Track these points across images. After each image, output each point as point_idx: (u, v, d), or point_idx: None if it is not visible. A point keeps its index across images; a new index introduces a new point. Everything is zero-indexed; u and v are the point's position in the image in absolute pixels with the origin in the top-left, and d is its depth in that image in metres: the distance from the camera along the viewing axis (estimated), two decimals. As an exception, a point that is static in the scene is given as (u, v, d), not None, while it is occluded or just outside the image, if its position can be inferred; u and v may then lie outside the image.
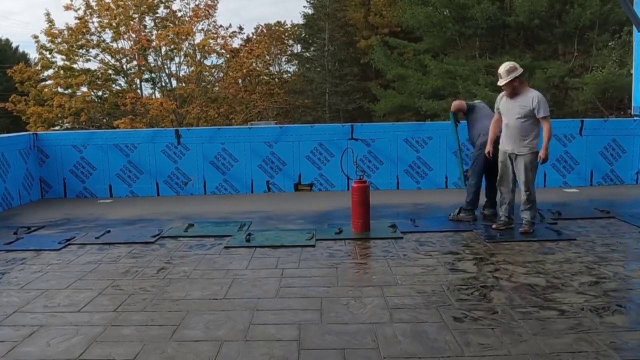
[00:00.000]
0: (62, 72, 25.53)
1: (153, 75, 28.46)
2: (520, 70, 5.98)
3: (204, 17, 27.75)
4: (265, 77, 33.69)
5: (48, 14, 25.09)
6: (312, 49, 38.92)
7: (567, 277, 4.58)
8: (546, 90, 22.44)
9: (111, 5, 25.73)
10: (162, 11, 28.00)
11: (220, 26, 29.66)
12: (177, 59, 28.02)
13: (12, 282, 4.81)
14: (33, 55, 39.61)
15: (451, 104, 7.13)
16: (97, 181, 9.28)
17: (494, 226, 6.29)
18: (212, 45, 27.77)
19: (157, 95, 28.82)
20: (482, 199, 6.90)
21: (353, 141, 9.21)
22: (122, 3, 25.95)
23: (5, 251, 5.83)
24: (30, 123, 24.75)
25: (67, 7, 25.09)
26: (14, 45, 41.15)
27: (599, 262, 4.98)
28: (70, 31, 25.32)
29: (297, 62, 40.09)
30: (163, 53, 27.44)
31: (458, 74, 23.77)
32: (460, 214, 6.76)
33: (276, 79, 35.85)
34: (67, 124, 25.36)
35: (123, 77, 27.75)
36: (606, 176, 9.28)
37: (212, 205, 7.95)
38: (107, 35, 26.30)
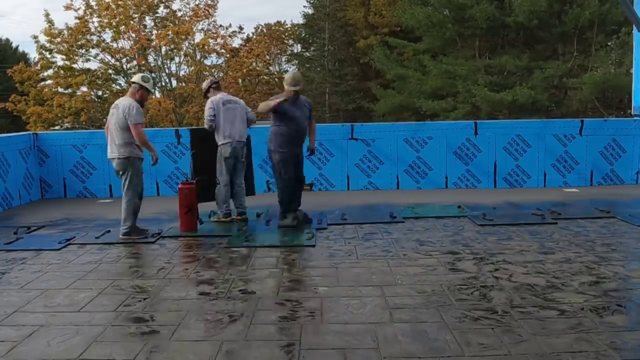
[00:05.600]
0: (62, 72, 25.53)
1: (153, 75, 28.45)
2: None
3: (203, 17, 27.76)
4: (265, 77, 33.71)
5: (47, 14, 25.10)
6: (312, 48, 38.96)
7: (567, 277, 4.58)
8: (545, 89, 22.50)
9: (111, 5, 25.72)
10: (162, 11, 28.04)
11: (220, 26, 29.68)
12: (177, 59, 28.05)
13: (12, 282, 4.81)
14: (33, 55, 39.63)
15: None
16: (97, 181, 9.28)
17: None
18: (211, 45, 27.79)
19: (157, 95, 28.83)
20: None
21: (353, 141, 9.21)
22: (122, 3, 25.94)
23: (5, 251, 5.83)
24: (30, 123, 24.75)
25: (67, 7, 25.09)
26: (13, 45, 41.16)
27: (599, 262, 4.98)
28: (70, 31, 25.30)
29: (297, 62, 40.10)
30: (163, 53, 27.45)
31: (457, 74, 23.80)
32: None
33: (276, 79, 35.85)
34: (67, 124, 25.37)
35: (123, 77, 27.74)
36: (606, 176, 9.28)
37: (212, 205, 7.93)
38: (107, 35, 26.31)
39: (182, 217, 6.53)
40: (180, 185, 6.59)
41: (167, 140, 9.26)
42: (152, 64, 27.82)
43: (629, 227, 6.28)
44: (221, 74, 29.50)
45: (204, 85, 7.23)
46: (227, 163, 6.82)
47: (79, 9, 25.45)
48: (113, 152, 6.31)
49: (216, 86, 7.06)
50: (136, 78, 6.47)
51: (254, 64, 30.39)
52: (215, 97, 6.85)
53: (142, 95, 6.37)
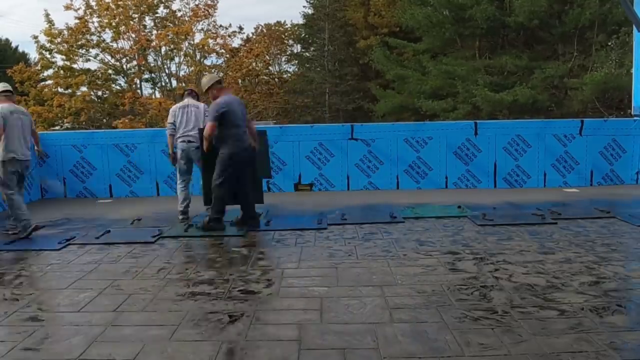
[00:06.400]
0: (62, 72, 25.54)
1: (153, 75, 28.48)
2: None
3: (203, 17, 27.78)
4: (265, 77, 33.72)
5: (47, 14, 25.11)
6: (312, 49, 38.93)
7: (567, 277, 4.57)
8: (545, 90, 22.50)
9: (111, 5, 25.74)
10: (161, 11, 28.04)
11: (220, 26, 29.68)
12: (177, 59, 28.06)
13: (12, 282, 4.81)
14: (33, 55, 39.63)
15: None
16: (97, 181, 9.28)
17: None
18: (211, 45, 27.80)
19: (157, 95, 28.86)
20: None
21: (353, 141, 9.22)
22: (122, 3, 25.96)
23: (5, 251, 5.83)
24: (30, 123, 24.71)
25: (67, 7, 25.11)
26: (13, 45, 41.13)
27: (599, 262, 4.98)
28: (70, 31, 25.32)
29: (297, 62, 40.09)
30: (163, 53, 27.46)
31: (457, 74, 23.82)
32: (211, 224, 6.44)
33: (276, 79, 35.87)
34: (67, 124, 25.39)
35: (123, 77, 27.77)
36: (606, 176, 9.28)
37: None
38: (107, 35, 26.34)
39: None
40: None
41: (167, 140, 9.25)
42: (152, 64, 27.84)
43: (629, 227, 6.28)
44: (221, 74, 29.51)
45: None
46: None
47: (78, 9, 25.49)
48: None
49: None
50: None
51: (253, 64, 30.39)
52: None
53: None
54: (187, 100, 7.22)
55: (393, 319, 3.79)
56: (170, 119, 7.13)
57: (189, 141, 6.98)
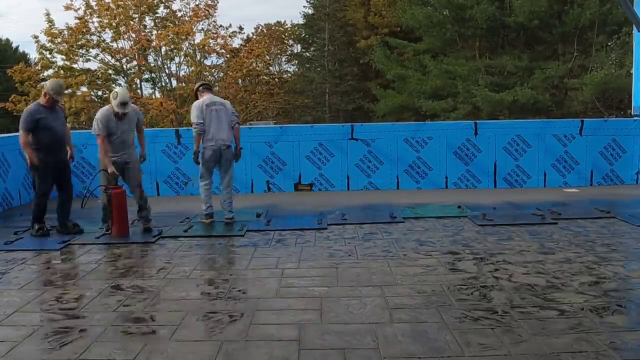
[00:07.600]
0: (62, 72, 25.53)
1: (153, 75, 28.47)
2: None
3: (204, 17, 27.77)
4: (265, 77, 33.69)
5: (48, 14, 25.13)
6: (312, 49, 38.91)
7: (567, 277, 4.57)
8: (545, 90, 22.49)
9: (111, 5, 25.74)
10: (162, 11, 28.04)
11: (220, 26, 29.66)
12: (177, 59, 28.05)
13: (12, 282, 4.81)
14: (33, 55, 39.61)
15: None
16: (97, 181, 9.24)
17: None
18: (212, 45, 27.79)
19: (157, 95, 28.85)
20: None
21: (353, 141, 9.21)
22: (122, 3, 25.95)
23: (5, 251, 5.83)
24: (30, 123, 24.74)
25: (67, 7, 25.12)
26: (13, 45, 41.11)
27: (599, 262, 4.98)
28: (70, 31, 25.33)
29: (297, 62, 40.08)
30: (163, 53, 27.45)
31: (457, 74, 23.82)
32: (39, 232, 6.44)
33: (276, 79, 35.84)
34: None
35: (123, 77, 27.75)
36: (606, 176, 9.28)
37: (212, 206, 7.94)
38: (107, 35, 26.34)
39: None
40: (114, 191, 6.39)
41: (167, 140, 9.26)
42: (152, 64, 27.83)
43: (629, 227, 6.28)
44: (221, 74, 29.51)
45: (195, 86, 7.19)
46: (206, 165, 6.82)
47: (78, 9, 25.50)
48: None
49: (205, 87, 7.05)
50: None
51: (254, 64, 30.38)
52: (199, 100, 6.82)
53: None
54: (210, 97, 6.90)
55: (393, 319, 3.79)
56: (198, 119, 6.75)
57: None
